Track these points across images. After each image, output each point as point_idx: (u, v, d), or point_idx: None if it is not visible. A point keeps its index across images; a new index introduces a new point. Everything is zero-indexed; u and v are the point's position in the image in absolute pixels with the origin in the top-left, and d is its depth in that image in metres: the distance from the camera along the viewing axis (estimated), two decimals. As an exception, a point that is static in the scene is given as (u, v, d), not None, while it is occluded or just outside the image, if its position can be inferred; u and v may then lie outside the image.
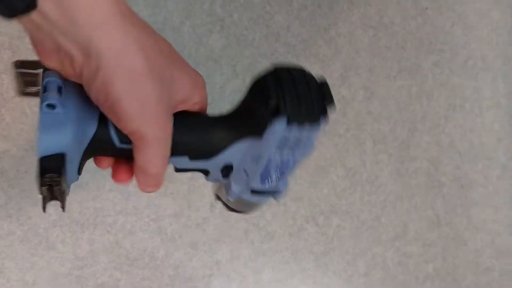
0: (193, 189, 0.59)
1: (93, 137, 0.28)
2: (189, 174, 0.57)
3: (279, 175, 0.31)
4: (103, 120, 0.27)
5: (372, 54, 0.67)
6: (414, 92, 0.69)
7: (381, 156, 0.68)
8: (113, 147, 0.28)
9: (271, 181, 0.32)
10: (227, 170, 0.31)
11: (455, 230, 0.72)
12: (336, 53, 0.66)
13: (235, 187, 0.32)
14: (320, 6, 0.65)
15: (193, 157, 0.30)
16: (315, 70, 0.66)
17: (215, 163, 0.31)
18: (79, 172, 0.29)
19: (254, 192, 0.32)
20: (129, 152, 0.28)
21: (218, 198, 0.35)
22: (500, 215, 0.75)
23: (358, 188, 0.67)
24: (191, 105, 0.29)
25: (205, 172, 0.32)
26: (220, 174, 0.32)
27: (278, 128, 0.28)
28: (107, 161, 0.31)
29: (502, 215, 0.75)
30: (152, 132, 0.26)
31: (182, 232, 0.59)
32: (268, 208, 0.63)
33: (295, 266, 0.64)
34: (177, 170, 0.31)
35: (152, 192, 0.30)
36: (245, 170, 0.31)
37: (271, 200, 0.33)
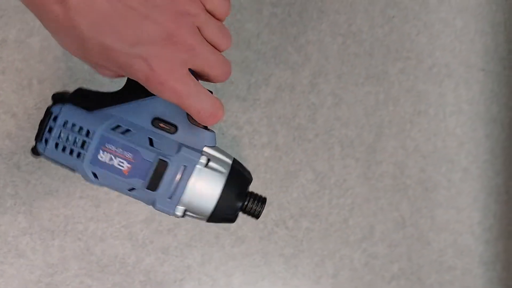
0: (164, 195, 0.59)
1: None
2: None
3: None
4: None
5: (341, 61, 0.69)
6: (381, 98, 0.71)
7: (349, 160, 0.70)
8: None
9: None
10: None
11: (419, 231, 0.75)
12: (306, 60, 0.67)
13: None
14: (290, 15, 0.66)
15: None
16: (286, 77, 0.67)
17: None
18: None
19: None
20: None
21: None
22: (462, 216, 0.78)
23: (326, 191, 0.68)
24: None
25: None
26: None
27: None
28: None
29: (464, 216, 0.78)
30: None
31: (153, 238, 0.59)
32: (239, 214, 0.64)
33: (265, 269, 0.65)
34: None
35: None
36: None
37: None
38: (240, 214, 0.34)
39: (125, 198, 0.58)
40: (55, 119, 0.30)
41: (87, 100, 0.30)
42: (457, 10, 0.76)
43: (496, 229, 0.81)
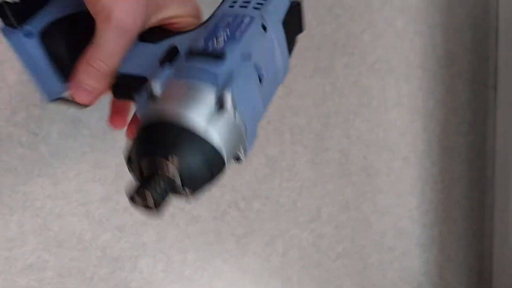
0: (121, 175, 0.62)
1: None
2: (117, 159, 0.61)
3: (228, 35, 0.27)
4: None
5: (292, 54, 0.74)
6: (328, 90, 0.77)
7: (298, 147, 0.75)
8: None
9: (216, 42, 0.26)
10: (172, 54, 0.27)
11: (362, 214, 0.81)
12: (259, 52, 0.72)
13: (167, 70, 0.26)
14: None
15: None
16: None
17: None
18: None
19: (191, 54, 0.26)
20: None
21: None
22: (401, 201, 0.85)
23: (277, 174, 0.73)
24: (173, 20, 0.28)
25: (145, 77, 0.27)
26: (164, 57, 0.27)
27: None
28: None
29: (403, 201, 0.85)
30: (119, 13, 0.25)
31: (109, 216, 0.62)
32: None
33: (218, 247, 0.69)
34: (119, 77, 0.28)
35: (82, 101, 0.28)
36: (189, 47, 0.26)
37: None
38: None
39: (83, 176, 0.60)
40: None
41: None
42: (398, 11, 0.83)
43: (432, 214, 0.88)
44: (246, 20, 0.27)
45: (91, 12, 0.26)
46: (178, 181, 0.24)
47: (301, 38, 0.37)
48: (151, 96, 0.25)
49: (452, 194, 0.90)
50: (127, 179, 0.27)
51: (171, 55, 0.27)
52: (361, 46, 0.80)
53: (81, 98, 0.28)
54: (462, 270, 0.91)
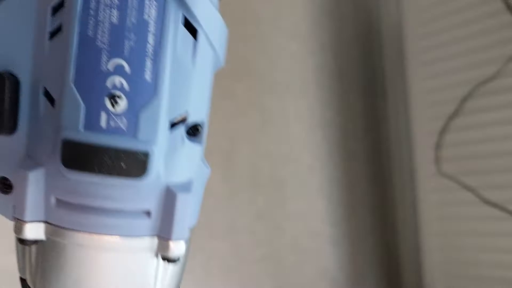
0: None
1: None
2: None
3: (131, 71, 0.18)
4: None
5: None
6: (231, 111, 0.85)
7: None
8: None
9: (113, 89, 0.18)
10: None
11: (275, 221, 0.89)
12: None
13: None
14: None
15: None
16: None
17: None
18: None
19: (68, 143, 0.18)
20: None
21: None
22: (311, 204, 0.94)
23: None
24: None
25: None
26: None
27: None
28: None
29: (313, 204, 0.94)
30: None
31: None
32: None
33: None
34: None
35: None
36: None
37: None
38: None
39: None
40: None
41: None
42: (290, 35, 0.92)
43: (339, 213, 0.98)
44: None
45: None
46: None
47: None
48: None
49: (355, 193, 1.00)
50: None
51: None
52: (259, 69, 0.88)
53: None
54: (372, 261, 1.02)
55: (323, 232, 0.95)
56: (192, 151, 0.21)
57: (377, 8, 1.04)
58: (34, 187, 0.19)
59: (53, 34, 0.19)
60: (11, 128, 0.19)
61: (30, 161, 0.19)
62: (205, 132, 0.22)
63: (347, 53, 1.00)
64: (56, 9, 0.19)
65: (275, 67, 0.90)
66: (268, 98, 0.89)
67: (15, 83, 0.19)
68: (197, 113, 0.21)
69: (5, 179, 0.20)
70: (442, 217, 0.93)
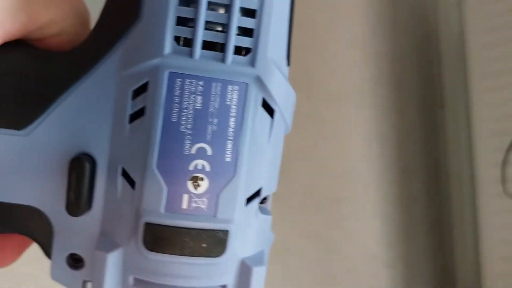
0: None
1: None
2: None
3: (212, 146, 0.18)
4: None
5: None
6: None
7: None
8: None
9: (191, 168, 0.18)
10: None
11: (331, 242, 0.83)
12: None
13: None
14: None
15: None
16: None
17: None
18: None
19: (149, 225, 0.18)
20: None
21: None
22: (366, 224, 0.88)
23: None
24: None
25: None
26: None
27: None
28: None
29: (368, 224, 0.88)
30: None
31: None
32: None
33: None
34: None
35: None
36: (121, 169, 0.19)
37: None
38: None
39: None
40: None
41: None
42: (346, 44, 0.87)
43: (395, 234, 0.92)
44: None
45: None
46: None
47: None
48: None
49: (411, 212, 0.94)
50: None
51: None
52: (315, 81, 0.83)
53: None
54: (427, 284, 0.95)
55: (378, 253, 0.89)
56: (265, 223, 0.21)
57: (436, 16, 0.98)
58: (112, 267, 0.19)
59: (134, 117, 0.18)
60: (87, 209, 0.19)
61: (107, 241, 0.19)
62: (271, 199, 0.22)
63: (404, 62, 0.94)
64: (138, 93, 0.18)
65: (332, 76, 0.85)
66: (326, 109, 0.84)
67: (93, 165, 0.18)
68: (270, 186, 0.21)
69: (74, 254, 0.20)
70: (507, 241, 0.86)
